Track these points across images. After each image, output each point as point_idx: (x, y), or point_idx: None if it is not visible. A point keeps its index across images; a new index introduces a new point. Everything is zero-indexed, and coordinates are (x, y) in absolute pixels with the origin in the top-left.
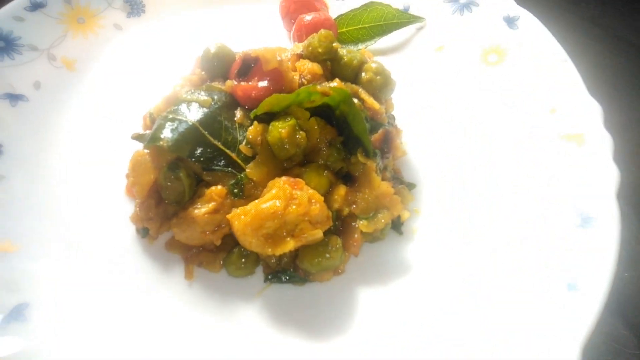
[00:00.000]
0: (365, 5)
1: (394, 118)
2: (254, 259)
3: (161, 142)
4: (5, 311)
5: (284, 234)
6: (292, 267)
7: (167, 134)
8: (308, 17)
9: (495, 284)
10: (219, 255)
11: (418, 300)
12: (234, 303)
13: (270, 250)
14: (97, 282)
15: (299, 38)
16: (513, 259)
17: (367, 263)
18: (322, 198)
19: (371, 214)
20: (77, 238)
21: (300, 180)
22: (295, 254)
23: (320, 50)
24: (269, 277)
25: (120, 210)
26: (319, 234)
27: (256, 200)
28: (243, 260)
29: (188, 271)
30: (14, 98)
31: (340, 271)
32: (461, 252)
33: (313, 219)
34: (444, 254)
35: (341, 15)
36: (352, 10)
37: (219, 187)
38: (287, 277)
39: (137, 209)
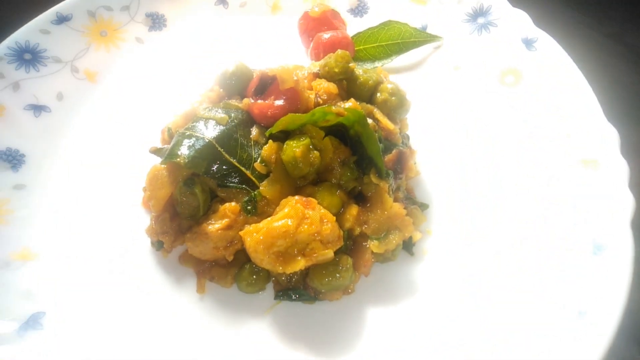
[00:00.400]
0: (383, 23)
1: (408, 138)
2: (264, 276)
3: (178, 159)
4: (22, 319)
5: (295, 252)
6: (302, 285)
7: (184, 150)
8: (326, 36)
9: (507, 310)
10: (230, 271)
11: (428, 322)
12: (243, 318)
13: (281, 268)
14: (112, 292)
15: (317, 56)
16: (525, 285)
17: (378, 283)
18: (334, 218)
19: (382, 235)
20: (94, 248)
21: (312, 199)
22: (306, 272)
23: (336, 70)
24: (279, 294)
25: (136, 222)
26: (329, 253)
27: (269, 218)
28: (254, 276)
29: (200, 285)
30: (37, 109)
31: (350, 291)
32: (473, 276)
33: (324, 239)
34: (455, 276)
35: (359, 33)
36: (369, 29)
37: (233, 203)
38: (297, 295)
39: (153, 222)
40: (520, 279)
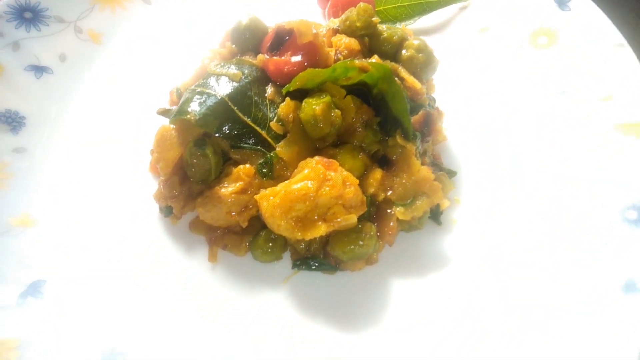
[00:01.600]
0: None
1: (434, 100)
2: (281, 244)
3: (188, 116)
4: (22, 287)
5: (315, 217)
6: (322, 254)
7: (194, 107)
8: None
9: (540, 280)
10: (244, 238)
11: (455, 295)
12: (259, 289)
13: (299, 234)
14: (116, 261)
15: (335, 14)
16: (558, 254)
17: (403, 253)
18: (357, 181)
19: (409, 201)
20: (97, 214)
21: (334, 161)
22: (326, 240)
23: (358, 24)
24: (297, 263)
25: (143, 188)
26: (352, 219)
27: (286, 181)
28: (270, 244)
29: (212, 253)
30: (38, 70)
31: (373, 261)
32: (504, 247)
33: (347, 203)
34: (486, 247)
35: None
36: None
37: (247, 165)
38: (317, 265)
39: (161, 186)
40: (553, 249)
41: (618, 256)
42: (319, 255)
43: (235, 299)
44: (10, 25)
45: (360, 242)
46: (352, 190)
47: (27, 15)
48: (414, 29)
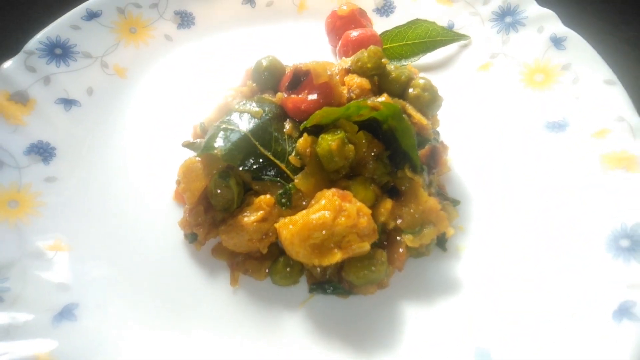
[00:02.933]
0: (411, 22)
1: (438, 134)
2: (298, 269)
3: (215, 151)
4: (56, 309)
5: (332, 245)
6: (336, 279)
7: (220, 143)
8: (355, 33)
9: (543, 306)
10: (264, 264)
11: (464, 318)
12: (277, 311)
13: (317, 260)
14: (144, 285)
15: (345, 53)
16: (559, 280)
17: (412, 278)
18: (370, 211)
19: (417, 229)
20: (126, 241)
21: (349, 192)
22: (340, 266)
23: (369, 65)
24: (313, 287)
25: (168, 216)
26: (366, 246)
27: (304, 211)
28: (288, 269)
29: (233, 278)
30: (67, 103)
31: (384, 285)
32: (509, 273)
33: (360, 232)
34: (489, 272)
35: (386, 31)
36: (397, 27)
37: (268, 196)
38: (332, 289)
39: (187, 214)
40: (555, 278)
41: (614, 283)
42: (334, 280)
43: (255, 321)
44: (42, 61)
45: (373, 268)
46: (365, 220)
47: (58, 51)
48: (417, 66)
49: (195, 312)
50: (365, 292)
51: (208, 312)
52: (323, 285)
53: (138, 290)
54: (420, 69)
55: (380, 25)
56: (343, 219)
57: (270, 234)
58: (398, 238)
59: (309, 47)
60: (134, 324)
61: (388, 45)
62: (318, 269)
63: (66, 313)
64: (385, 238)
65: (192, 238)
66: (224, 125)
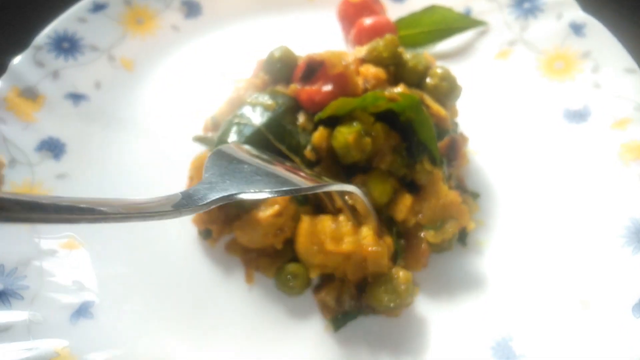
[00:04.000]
0: (427, 8)
1: (457, 125)
2: (302, 282)
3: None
4: (73, 307)
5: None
6: (356, 306)
7: (233, 137)
8: (368, 21)
9: (562, 300)
10: (276, 261)
11: (486, 313)
12: (293, 312)
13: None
14: (159, 282)
15: (359, 42)
16: (578, 274)
17: (436, 275)
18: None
19: (438, 224)
20: (139, 238)
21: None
22: (357, 293)
23: (385, 55)
24: (335, 320)
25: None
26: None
27: (331, 239)
28: (290, 283)
29: (248, 275)
30: (76, 98)
31: (409, 303)
32: (528, 266)
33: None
34: (513, 267)
35: (401, 18)
36: (412, 14)
37: None
38: (354, 317)
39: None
40: (574, 271)
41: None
42: (353, 311)
43: (271, 321)
44: (50, 55)
45: (398, 292)
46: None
47: (65, 45)
48: (434, 53)
49: (210, 310)
50: (390, 314)
51: (224, 311)
52: (344, 319)
53: (153, 287)
54: (437, 56)
55: (394, 11)
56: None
57: (286, 229)
58: (419, 234)
59: (321, 35)
60: (150, 321)
61: (403, 33)
62: (332, 300)
63: (83, 311)
64: (406, 236)
65: (206, 234)
66: (236, 120)
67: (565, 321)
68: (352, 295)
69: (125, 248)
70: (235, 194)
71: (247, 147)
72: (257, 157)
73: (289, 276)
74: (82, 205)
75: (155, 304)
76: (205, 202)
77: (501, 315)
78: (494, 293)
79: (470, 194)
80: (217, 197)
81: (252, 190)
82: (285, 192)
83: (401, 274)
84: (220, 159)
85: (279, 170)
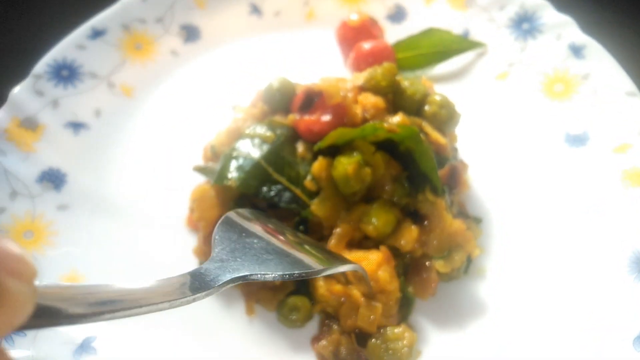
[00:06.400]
0: (424, 31)
1: (457, 151)
2: (304, 315)
3: (229, 182)
4: (75, 343)
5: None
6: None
7: (233, 173)
8: (367, 46)
9: (562, 331)
10: (277, 295)
11: (493, 341)
12: (292, 347)
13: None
14: (160, 314)
15: (357, 66)
16: (580, 304)
17: (442, 304)
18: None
19: (445, 253)
20: (140, 268)
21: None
22: (354, 349)
23: (383, 84)
24: None
25: (182, 243)
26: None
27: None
28: (293, 316)
29: (249, 307)
30: (76, 127)
31: None
32: (530, 294)
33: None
34: (515, 294)
35: (399, 41)
36: (410, 37)
37: None
38: None
39: (201, 242)
40: (576, 301)
41: None
42: None
43: (271, 355)
44: (49, 84)
45: (399, 355)
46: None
47: (65, 73)
48: (433, 76)
49: (211, 342)
50: None
51: (224, 343)
52: None
53: (154, 319)
54: (436, 79)
55: (393, 32)
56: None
57: None
58: (427, 263)
59: (319, 57)
60: (152, 354)
61: (401, 56)
62: (330, 347)
63: (85, 346)
64: (413, 265)
65: None
66: (235, 153)
67: (564, 354)
68: (350, 350)
69: (126, 279)
70: (248, 275)
71: (253, 212)
72: (264, 224)
73: (291, 309)
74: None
75: (156, 337)
76: (218, 284)
77: (508, 342)
78: (500, 321)
79: (472, 219)
80: (230, 278)
81: (264, 272)
82: (296, 276)
83: (407, 335)
84: (229, 231)
85: (288, 247)
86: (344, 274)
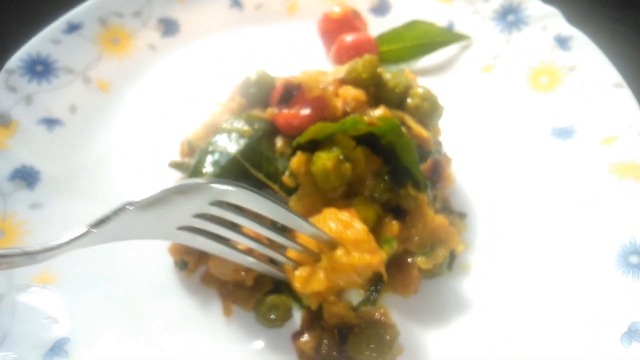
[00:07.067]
0: (408, 23)
1: (440, 144)
2: (283, 314)
3: (205, 177)
4: (46, 346)
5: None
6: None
7: (208, 168)
8: (349, 38)
9: (550, 328)
10: (254, 295)
11: (486, 341)
12: (271, 347)
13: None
14: (135, 315)
15: (339, 59)
16: (568, 299)
17: (425, 301)
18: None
19: (427, 249)
20: (115, 269)
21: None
22: (337, 344)
23: (364, 76)
24: None
25: (157, 242)
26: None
27: None
28: (272, 315)
29: (226, 307)
30: (50, 123)
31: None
32: (516, 289)
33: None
34: (501, 290)
35: (383, 33)
36: (394, 29)
37: None
38: None
39: None
40: (564, 296)
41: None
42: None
43: (250, 356)
44: (23, 80)
45: (381, 349)
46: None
47: (39, 68)
48: (417, 69)
49: (188, 344)
50: None
51: (201, 345)
52: None
53: (128, 321)
54: (420, 72)
55: (376, 25)
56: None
57: None
58: (409, 260)
59: (301, 50)
60: (126, 357)
61: (385, 49)
62: (311, 344)
63: (57, 349)
64: (394, 262)
65: (182, 265)
66: (211, 148)
67: (552, 351)
68: (331, 345)
69: (100, 280)
70: None
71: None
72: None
73: (269, 308)
74: None
75: (131, 339)
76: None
77: (494, 340)
78: (485, 318)
79: (457, 215)
80: None
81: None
82: None
83: (389, 330)
84: None
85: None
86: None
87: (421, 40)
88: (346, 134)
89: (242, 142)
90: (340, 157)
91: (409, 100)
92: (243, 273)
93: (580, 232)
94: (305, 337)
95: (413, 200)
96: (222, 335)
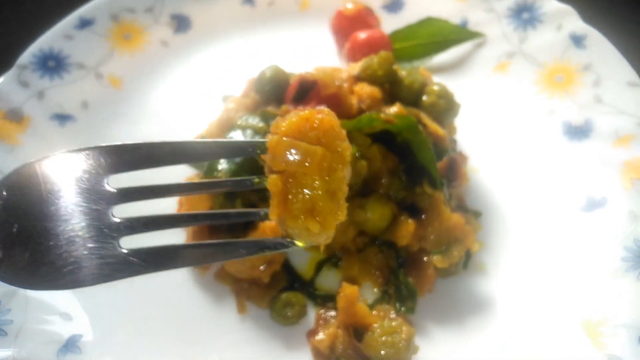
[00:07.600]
0: (422, 20)
1: (456, 142)
2: (299, 311)
3: (219, 174)
4: (60, 342)
5: None
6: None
7: (223, 165)
8: (362, 35)
9: (561, 327)
10: (268, 292)
11: (495, 338)
12: (286, 346)
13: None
14: (148, 312)
15: (353, 56)
16: (579, 301)
17: (441, 300)
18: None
19: (443, 248)
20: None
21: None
22: (351, 343)
23: (380, 73)
24: None
25: (170, 238)
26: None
27: None
28: (288, 312)
29: (240, 305)
30: (63, 118)
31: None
32: (531, 289)
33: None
34: (516, 289)
35: (396, 30)
36: (408, 26)
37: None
38: None
39: (190, 237)
40: (575, 297)
41: None
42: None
43: (265, 354)
44: (35, 75)
45: (397, 348)
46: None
47: (51, 64)
48: (431, 66)
49: (202, 342)
50: None
51: (215, 342)
52: None
53: (142, 318)
54: (434, 70)
55: (389, 22)
56: None
57: (274, 262)
58: (425, 258)
59: (314, 47)
60: (140, 354)
61: (398, 46)
62: (325, 342)
63: (70, 345)
64: (410, 260)
65: None
66: None
67: (570, 347)
68: (346, 344)
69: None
70: None
71: None
72: None
73: (284, 305)
74: None
75: (144, 336)
76: None
77: (510, 339)
78: (500, 317)
79: (472, 213)
80: None
81: None
82: None
83: (404, 329)
84: None
85: None
86: None
87: (435, 37)
88: (362, 132)
89: (257, 138)
90: (356, 154)
91: (424, 98)
92: (262, 267)
93: (595, 232)
94: (321, 336)
95: (429, 199)
96: (236, 332)
